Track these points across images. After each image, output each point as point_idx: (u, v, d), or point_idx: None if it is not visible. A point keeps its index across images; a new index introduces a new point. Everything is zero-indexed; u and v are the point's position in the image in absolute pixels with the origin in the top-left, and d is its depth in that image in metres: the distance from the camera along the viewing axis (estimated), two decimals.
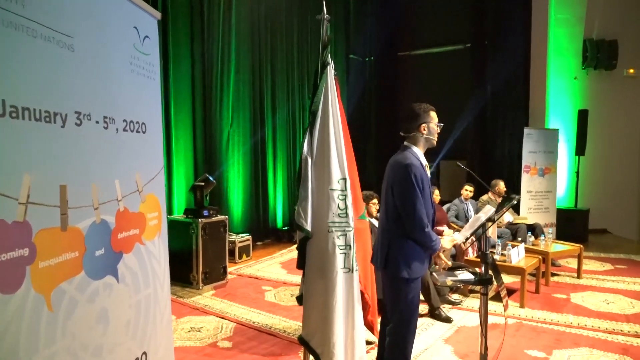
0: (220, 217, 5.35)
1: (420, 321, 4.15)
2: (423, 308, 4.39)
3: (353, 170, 3.37)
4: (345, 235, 2.62)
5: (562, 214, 8.14)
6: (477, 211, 6.45)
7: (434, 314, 4.22)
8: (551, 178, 7.95)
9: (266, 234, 7.81)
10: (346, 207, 2.63)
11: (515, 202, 2.72)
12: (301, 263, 2.67)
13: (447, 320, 4.12)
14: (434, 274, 2.79)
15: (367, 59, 10.21)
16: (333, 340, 2.54)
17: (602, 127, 8.76)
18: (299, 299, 2.73)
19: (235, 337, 3.79)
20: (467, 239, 2.79)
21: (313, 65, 8.79)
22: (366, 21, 10.07)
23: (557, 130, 8.15)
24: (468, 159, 9.50)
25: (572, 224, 8.14)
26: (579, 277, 5.57)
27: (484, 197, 6.72)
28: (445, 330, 3.95)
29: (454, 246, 5.54)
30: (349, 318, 2.64)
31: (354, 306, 2.64)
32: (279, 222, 8.06)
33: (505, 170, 8.71)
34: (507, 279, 5.39)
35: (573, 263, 5.83)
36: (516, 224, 6.33)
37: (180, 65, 6.27)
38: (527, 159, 7.65)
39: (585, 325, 4.05)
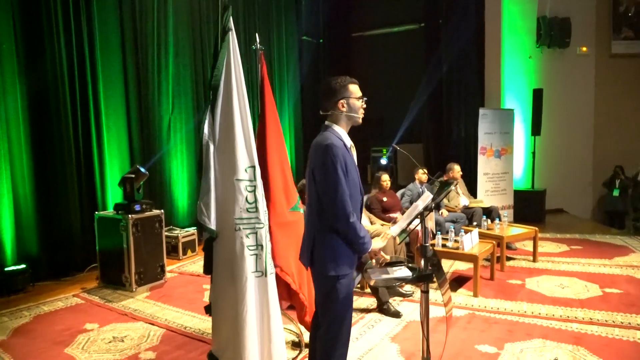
0: (155, 212, 4.89)
1: (368, 317, 3.87)
2: (371, 302, 4.12)
3: (283, 156, 3.01)
4: (256, 233, 2.25)
5: (519, 195, 8.06)
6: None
7: (382, 308, 3.94)
8: (508, 159, 7.84)
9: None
10: (255, 201, 2.25)
11: (453, 187, 2.42)
12: (208, 267, 2.28)
13: (396, 315, 3.85)
14: (367, 270, 2.47)
15: (320, 40, 9.79)
16: (245, 356, 2.18)
17: (556, 106, 8.70)
18: (208, 309, 2.34)
19: (161, 346, 3.39)
20: (403, 230, 2.46)
21: (263, 44, 8.34)
22: (318, 1, 9.63)
23: (512, 110, 8.03)
24: (424, 141, 9.31)
25: (529, 205, 8.08)
26: (534, 260, 5.43)
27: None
28: (393, 326, 3.67)
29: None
30: (263, 330, 2.28)
31: (269, 316, 2.28)
32: None
33: (462, 152, 8.55)
34: (462, 265, 5.19)
35: (529, 246, 5.68)
36: (472, 208, 6.13)
37: (108, 47, 5.68)
38: (482, 140, 7.49)
39: (539, 313, 3.86)
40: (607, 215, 9.31)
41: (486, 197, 7.45)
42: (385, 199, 5.46)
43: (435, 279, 2.48)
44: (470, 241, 4.53)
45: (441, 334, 3.50)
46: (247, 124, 2.30)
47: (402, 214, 5.63)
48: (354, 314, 3.87)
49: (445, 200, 6.28)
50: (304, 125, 9.23)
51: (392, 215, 5.44)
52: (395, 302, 4.11)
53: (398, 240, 2.41)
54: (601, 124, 9.27)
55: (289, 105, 8.89)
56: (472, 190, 7.34)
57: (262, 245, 2.26)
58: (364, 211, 5.12)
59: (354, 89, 2.20)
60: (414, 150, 9.04)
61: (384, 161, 9.08)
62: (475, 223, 5.76)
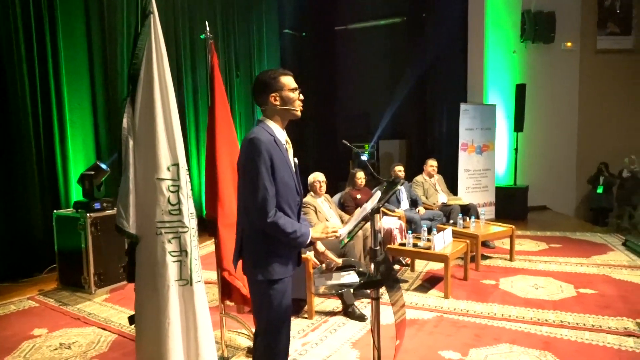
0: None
1: (332, 321, 3.71)
2: (337, 305, 3.96)
3: (234, 152, 2.82)
4: (179, 238, 2.07)
5: (501, 192, 7.94)
6: (410, 192, 6.08)
7: (347, 312, 3.78)
8: (489, 156, 7.71)
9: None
10: (179, 202, 2.07)
11: (400, 186, 2.25)
12: (131, 275, 2.10)
13: (361, 318, 3.69)
14: (314, 276, 2.30)
15: (302, 33, 9.58)
16: None
17: (540, 102, 8.58)
18: (131, 320, 2.16)
19: (109, 353, 3.20)
20: (349, 233, 2.29)
21: (241, 40, 8.12)
22: None
23: (494, 105, 7.89)
24: (407, 137, 9.16)
25: (511, 202, 7.97)
26: (511, 259, 5.30)
27: (418, 178, 6.36)
28: (356, 330, 3.51)
29: (381, 231, 5.18)
30: (190, 344, 2.10)
31: (196, 328, 2.10)
32: (204, 210, 7.42)
33: (444, 148, 8.40)
34: (436, 265, 5.05)
35: (508, 244, 5.55)
36: (450, 205, 5.99)
37: (72, 38, 5.45)
38: (463, 136, 7.35)
39: (509, 316, 3.72)
40: (591, 213, 9.23)
41: (467, 194, 7.32)
42: (359, 196, 5.30)
43: (386, 285, 2.32)
44: (443, 240, 4.37)
45: (408, 339, 3.35)
46: (171, 118, 2.12)
47: (377, 212, 5.49)
48: (316, 317, 3.75)
49: (423, 198, 6.14)
50: (287, 124, 9.04)
51: None
52: (362, 305, 3.95)
53: (345, 240, 2.22)
54: (585, 121, 9.17)
55: None
56: (453, 187, 7.21)
57: (186, 251, 2.08)
58: (335, 209, 4.95)
59: (287, 81, 2.04)
60: (396, 145, 8.89)
61: (364, 157, 8.92)
62: (452, 221, 5.62)
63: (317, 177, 4.78)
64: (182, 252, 2.06)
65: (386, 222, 5.20)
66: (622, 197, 8.79)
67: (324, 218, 4.65)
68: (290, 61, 9.21)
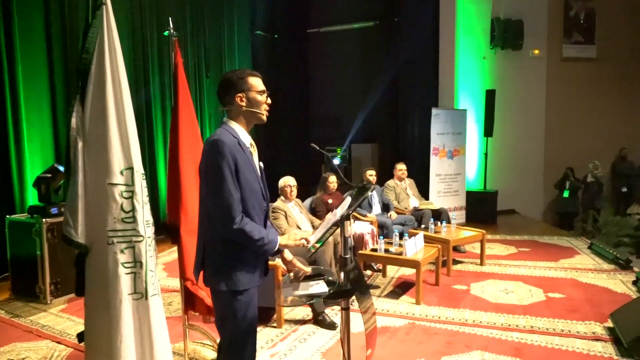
0: None
1: (302, 329, 3.59)
2: (308, 313, 3.85)
3: (198, 154, 2.68)
4: (133, 247, 1.92)
5: (472, 196, 8.00)
6: (382, 197, 6.03)
7: (318, 319, 3.67)
8: (460, 160, 7.75)
9: (156, 230, 6.89)
10: (133, 209, 1.93)
11: (370, 192, 2.16)
12: (80, 288, 1.94)
13: (332, 326, 3.59)
14: (282, 285, 2.19)
15: (275, 35, 9.46)
16: None
17: (509, 108, 8.72)
18: (80, 337, 2.00)
19: None
20: (318, 240, 2.19)
21: (211, 40, 7.93)
22: None
23: (465, 110, 7.95)
24: (379, 141, 9.15)
25: (481, 206, 8.04)
26: (482, 264, 5.31)
27: (390, 183, 6.32)
28: (327, 339, 3.41)
29: (352, 237, 5.10)
30: None
31: (152, 346, 1.95)
32: (165, 215, 7.19)
33: (416, 153, 8.41)
34: (408, 270, 5.00)
35: (479, 248, 5.56)
36: (421, 209, 5.97)
37: (30, 35, 5.17)
38: (435, 140, 7.37)
39: (481, 322, 3.69)
40: (558, 217, 9.43)
41: (438, 198, 7.34)
42: (330, 200, 5.20)
43: (357, 295, 2.22)
44: (414, 246, 4.33)
45: (380, 347, 3.27)
46: (125, 117, 1.97)
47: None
48: (285, 326, 3.63)
49: (395, 202, 6.11)
50: (258, 127, 8.83)
51: None
52: (333, 312, 3.85)
53: (315, 247, 2.11)
54: (552, 126, 9.38)
55: None
56: (425, 192, 7.21)
57: (141, 262, 1.93)
58: (306, 214, 4.85)
59: (255, 82, 1.93)
60: (368, 149, 8.87)
61: (336, 161, 8.86)
62: (423, 226, 5.59)
63: (288, 182, 4.67)
64: (137, 263, 1.91)
65: (358, 227, 5.13)
66: (587, 202, 9.04)
67: (295, 223, 4.53)
68: (262, 63, 9.07)
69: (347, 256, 2.19)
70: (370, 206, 5.80)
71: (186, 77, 7.77)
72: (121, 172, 1.91)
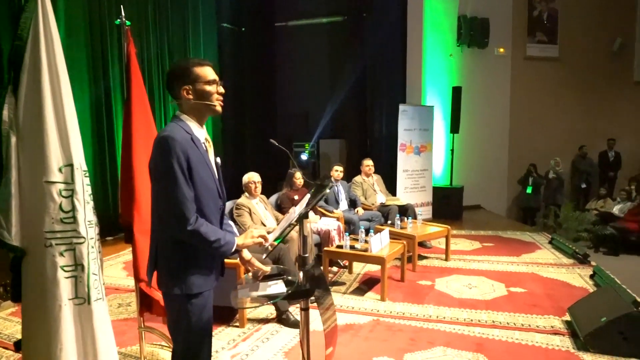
0: None
1: (265, 329, 3.52)
2: (272, 312, 3.77)
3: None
4: (74, 250, 1.80)
5: (438, 192, 8.09)
6: (349, 193, 6.00)
7: (281, 318, 3.61)
8: (427, 156, 7.82)
9: (120, 227, 6.66)
10: (73, 209, 1.80)
11: (329, 190, 2.10)
12: (17, 294, 1.81)
13: (295, 325, 3.53)
14: (237, 287, 2.11)
15: (242, 28, 9.27)
16: None
17: (475, 105, 8.85)
18: (17, 345, 1.87)
19: None
20: (276, 238, 2.12)
21: (175, 32, 7.70)
22: None
23: (432, 107, 8.02)
24: (347, 137, 9.13)
25: (448, 202, 8.14)
26: (447, 259, 5.36)
27: (357, 179, 6.30)
28: (290, 338, 3.35)
29: (318, 233, 5.05)
30: None
31: (96, 354, 1.84)
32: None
33: (384, 149, 8.44)
34: (374, 267, 4.99)
35: (445, 243, 5.61)
36: (388, 205, 5.98)
37: None
38: (402, 137, 7.40)
39: (444, 317, 3.71)
40: (521, 212, 9.68)
41: (405, 194, 7.39)
42: (296, 197, 5.13)
43: (316, 295, 2.17)
44: (380, 242, 4.31)
45: (343, 345, 3.24)
46: (64, 111, 1.83)
47: (315, 213, 5.36)
48: (248, 326, 3.55)
49: (362, 198, 6.10)
50: (224, 122, 8.68)
51: None
52: (297, 311, 3.79)
53: (274, 245, 2.04)
54: (516, 124, 9.59)
55: None
56: (392, 187, 7.24)
57: (82, 265, 1.81)
58: (272, 210, 4.77)
59: (203, 72, 1.80)
60: (336, 145, 8.84)
61: (304, 156, 8.79)
62: (390, 222, 5.60)
63: (252, 178, 4.57)
64: (78, 266, 1.79)
65: (324, 224, 5.08)
66: (549, 197, 9.30)
67: (259, 220, 4.44)
68: (229, 56, 8.89)
69: (307, 255, 2.14)
70: (337, 202, 5.77)
71: (149, 69, 7.51)
72: (60, 169, 1.78)
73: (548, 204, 9.07)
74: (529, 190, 9.30)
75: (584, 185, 9.72)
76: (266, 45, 9.41)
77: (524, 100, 9.55)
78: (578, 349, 3.14)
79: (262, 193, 4.81)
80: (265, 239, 2.04)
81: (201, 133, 1.82)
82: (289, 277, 2.21)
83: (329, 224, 5.07)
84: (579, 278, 4.73)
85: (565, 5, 9.84)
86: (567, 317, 3.59)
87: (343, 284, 4.59)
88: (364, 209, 5.87)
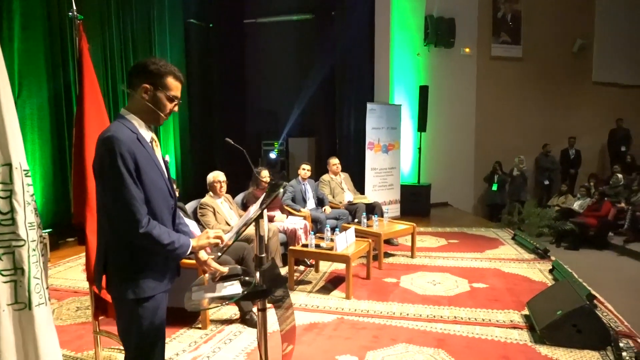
0: None
1: (227, 330, 3.47)
2: (235, 312, 3.73)
3: None
4: (13, 253, 1.72)
5: (406, 190, 8.18)
6: (316, 191, 6.00)
7: (245, 319, 3.57)
8: (395, 154, 7.89)
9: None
10: (12, 211, 1.73)
11: (282, 189, 2.08)
12: None
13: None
14: (191, 289, 2.07)
15: (209, 24, 9.12)
16: None
17: (442, 104, 8.99)
18: None
19: None
20: (231, 239, 2.09)
21: (139, 26, 7.52)
22: None
23: (399, 105, 8.09)
24: (316, 135, 9.13)
25: (415, 200, 8.24)
26: (412, 256, 5.42)
27: (325, 177, 6.31)
28: (253, 339, 3.31)
29: (285, 232, 5.02)
30: None
31: None
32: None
33: (353, 147, 8.46)
34: (340, 265, 5.00)
35: (411, 240, 5.68)
36: (355, 204, 6.01)
37: None
38: (370, 135, 7.44)
39: (408, 314, 3.75)
40: (487, 209, 9.89)
41: (374, 192, 7.43)
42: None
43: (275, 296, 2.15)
44: (345, 240, 4.32)
45: (306, 344, 3.23)
46: (1, 108, 1.75)
47: (282, 212, 5.33)
48: (211, 327, 3.50)
49: (330, 197, 6.10)
50: (191, 119, 8.52)
51: (269, 213, 5.10)
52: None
53: (228, 244, 2.01)
54: (482, 122, 9.79)
55: None
56: (361, 186, 7.28)
57: (22, 269, 1.73)
58: (237, 209, 4.71)
59: (173, 86, 1.74)
60: (305, 143, 8.82)
61: (273, 155, 8.73)
62: (356, 220, 5.63)
63: (217, 177, 4.51)
64: (17, 270, 1.71)
65: (291, 222, 5.07)
66: (513, 194, 9.53)
67: (224, 220, 4.39)
68: (196, 53, 8.74)
69: (263, 255, 2.11)
70: (304, 201, 5.76)
71: (112, 64, 7.31)
72: None
73: (512, 201, 9.30)
74: (494, 187, 9.52)
75: (546, 182, 10.02)
76: (235, 42, 9.29)
77: (489, 99, 9.76)
78: (535, 342, 3.23)
79: (230, 192, 4.75)
80: (222, 240, 2.01)
81: (147, 133, 1.76)
82: (246, 278, 2.19)
83: (296, 222, 5.06)
84: (539, 273, 4.87)
85: (528, 7, 10.10)
86: (526, 311, 3.68)
87: (309, 282, 4.58)
88: (332, 207, 5.88)
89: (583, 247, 7.23)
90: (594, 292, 3.85)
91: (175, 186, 3.60)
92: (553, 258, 5.32)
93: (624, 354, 2.98)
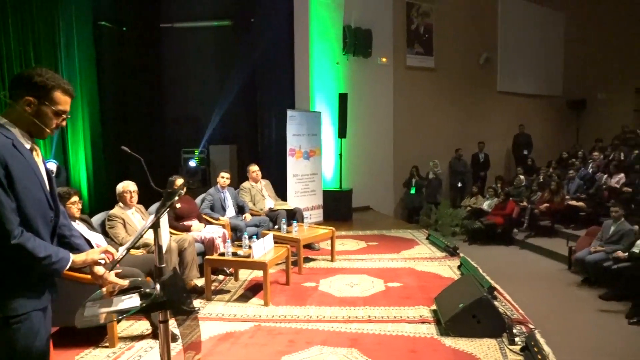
0: None
1: (138, 346, 3.32)
2: (148, 327, 3.58)
3: None
4: None
5: (329, 195, 8.33)
6: (236, 199, 5.93)
7: (157, 333, 3.43)
8: (316, 161, 8.02)
9: None
10: None
11: (177, 197, 2.05)
12: None
13: (172, 339, 3.37)
14: (85, 304, 1.96)
15: (122, 28, 8.72)
16: None
17: (361, 111, 9.28)
18: None
19: None
20: (127, 250, 2.01)
21: (41, 28, 7.02)
22: None
23: (319, 113, 8.24)
24: (238, 142, 9.05)
25: (338, 204, 8.41)
26: (332, 260, 5.53)
27: (245, 184, 6.26)
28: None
29: (202, 241, 4.91)
30: None
31: None
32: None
33: (274, 154, 8.48)
34: (260, 272, 4.97)
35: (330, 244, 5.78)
36: (276, 210, 6.02)
37: None
38: (291, 142, 7.50)
39: (324, 317, 3.82)
40: (406, 211, 10.35)
41: (296, 198, 7.49)
42: (179, 205, 4.94)
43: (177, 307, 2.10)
44: (263, 247, 4.32)
45: (220, 355, 3.17)
46: None
47: (200, 221, 5.20)
48: (120, 345, 3.33)
49: (250, 204, 6.06)
50: (105, 128, 8.03)
51: (186, 223, 4.97)
52: (174, 325, 3.63)
53: (122, 255, 1.93)
54: (399, 129, 10.24)
55: (83, 102, 7.63)
56: (283, 192, 7.30)
57: None
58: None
59: (61, 100, 1.65)
60: (227, 151, 8.70)
61: (193, 163, 8.52)
62: (277, 226, 5.64)
63: (127, 187, 4.31)
64: None
65: (209, 231, 4.96)
66: (430, 196, 10.06)
67: (134, 231, 4.20)
68: (108, 57, 8.29)
69: (163, 266, 2.06)
70: (223, 209, 5.67)
71: (9, 66, 6.78)
72: None
73: (429, 203, 9.81)
74: (412, 190, 9.99)
75: (460, 185, 10.68)
76: (150, 46, 8.94)
77: (405, 107, 10.23)
78: (441, 334, 3.43)
79: (146, 202, 4.56)
80: (112, 255, 1.94)
81: (25, 140, 1.65)
82: (147, 290, 2.11)
83: (214, 231, 4.96)
84: (448, 269, 5.17)
85: (438, 20, 10.77)
86: (434, 307, 3.89)
87: (228, 292, 4.51)
88: (252, 214, 5.85)
89: (493, 244, 7.81)
90: (494, 285, 4.18)
91: (73, 197, 3.39)
92: (462, 255, 5.67)
93: (516, 339, 3.26)
